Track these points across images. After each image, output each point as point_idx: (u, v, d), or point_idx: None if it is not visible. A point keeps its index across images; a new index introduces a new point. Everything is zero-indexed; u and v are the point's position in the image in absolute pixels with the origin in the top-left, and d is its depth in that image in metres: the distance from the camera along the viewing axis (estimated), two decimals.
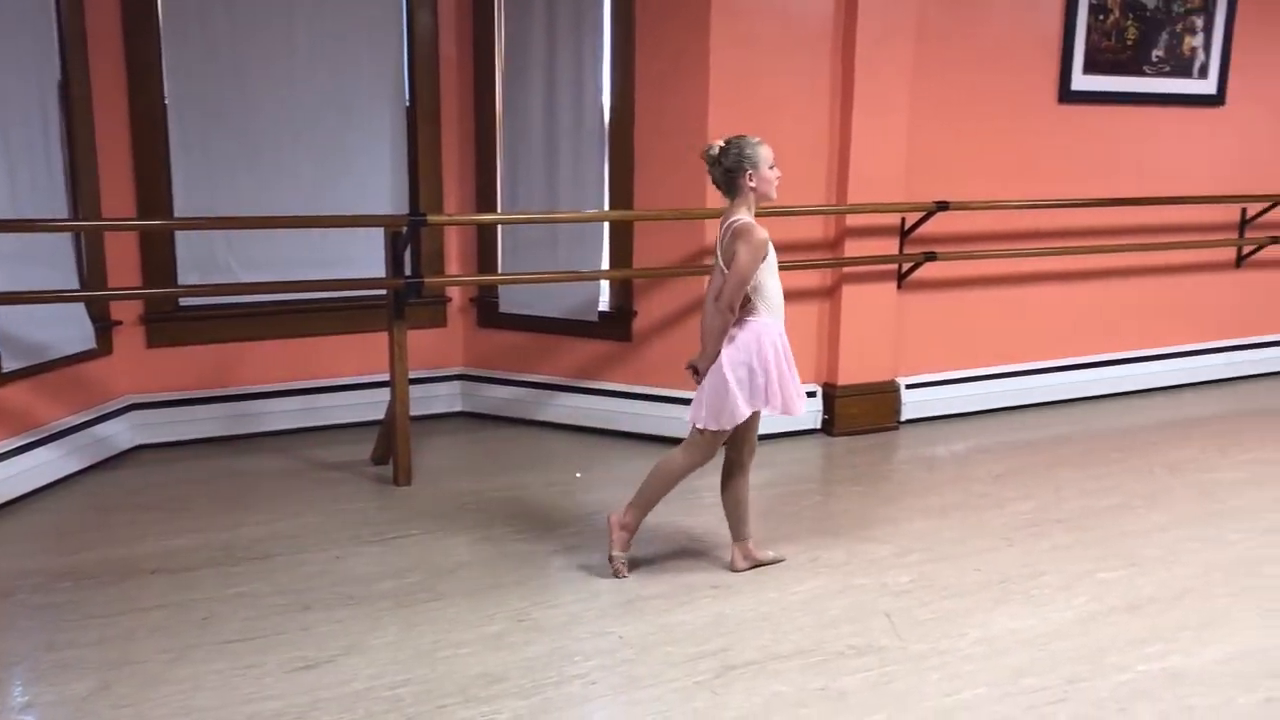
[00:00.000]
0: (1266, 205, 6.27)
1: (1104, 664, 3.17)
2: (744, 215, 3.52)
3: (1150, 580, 3.75)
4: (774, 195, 3.56)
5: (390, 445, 4.62)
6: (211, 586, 3.58)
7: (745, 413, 3.56)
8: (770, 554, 3.85)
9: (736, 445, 3.74)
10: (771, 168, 3.54)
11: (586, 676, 3.06)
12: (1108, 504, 4.48)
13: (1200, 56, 6.05)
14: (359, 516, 4.23)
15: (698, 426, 3.61)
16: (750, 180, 3.50)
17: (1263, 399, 6.23)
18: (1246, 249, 6.41)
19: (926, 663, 3.16)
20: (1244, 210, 6.32)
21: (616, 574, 3.70)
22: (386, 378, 4.62)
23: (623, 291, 5.25)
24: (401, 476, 4.56)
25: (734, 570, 3.77)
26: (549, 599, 3.53)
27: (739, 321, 3.55)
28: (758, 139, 3.53)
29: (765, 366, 3.55)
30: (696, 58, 4.85)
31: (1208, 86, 6.10)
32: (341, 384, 5.29)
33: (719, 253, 3.55)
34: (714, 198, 4.89)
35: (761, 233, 3.45)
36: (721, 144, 3.53)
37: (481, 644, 3.23)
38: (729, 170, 3.51)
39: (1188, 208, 6.09)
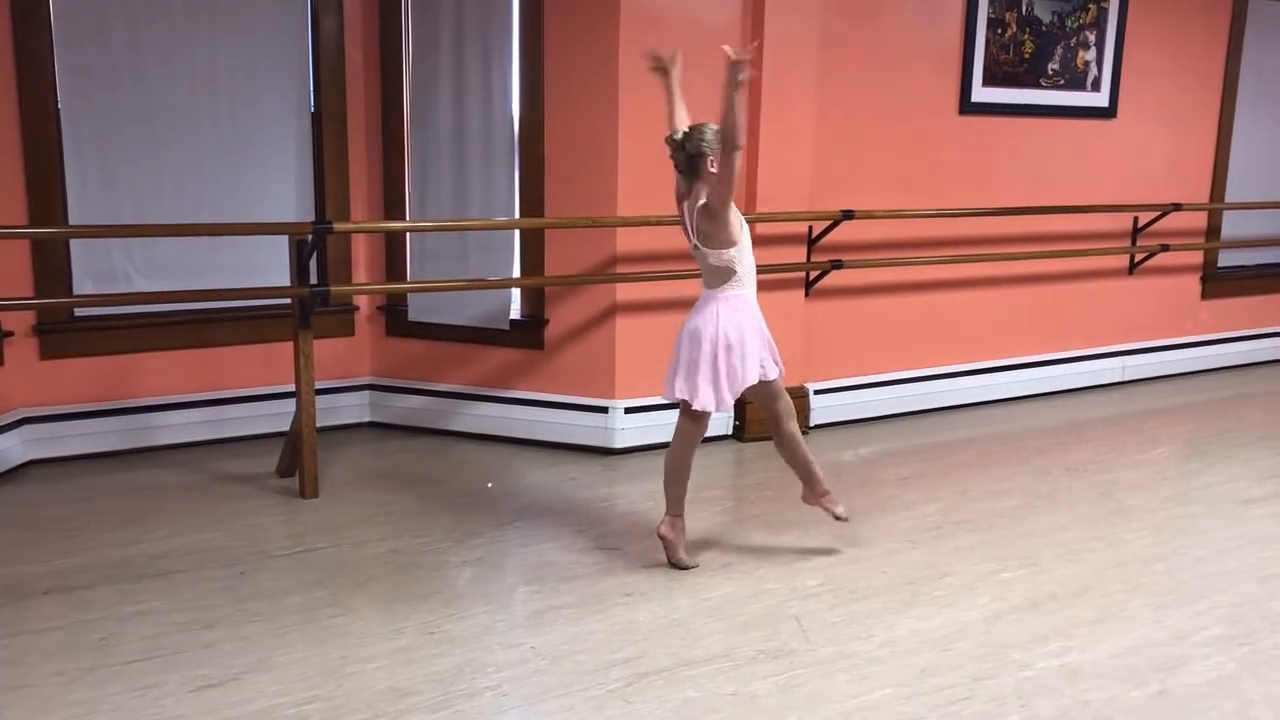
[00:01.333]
0: (1157, 214, 6.50)
1: (1007, 661, 3.25)
2: (705, 195, 3.62)
3: (1050, 579, 3.85)
4: (733, 182, 3.60)
5: (296, 457, 4.53)
6: (109, 606, 3.47)
7: (753, 378, 3.71)
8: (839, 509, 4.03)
9: (770, 404, 3.89)
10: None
11: (498, 688, 3.04)
12: (1009, 505, 4.59)
13: (1093, 70, 6.25)
14: (264, 530, 4.14)
15: (751, 389, 3.74)
16: (712, 165, 3.58)
17: (1155, 401, 6.45)
18: (1139, 256, 6.64)
19: (835, 665, 3.20)
20: (1136, 219, 6.54)
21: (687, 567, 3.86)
22: (292, 388, 4.54)
23: (535, 299, 5.24)
24: (308, 489, 4.48)
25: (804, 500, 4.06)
26: (459, 611, 3.50)
27: (724, 299, 3.68)
28: (719, 125, 3.55)
29: (762, 334, 3.76)
30: (606, 65, 4.86)
31: (1100, 99, 6.31)
32: (246, 395, 5.17)
33: (694, 234, 3.67)
34: (625, 205, 4.93)
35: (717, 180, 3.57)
36: (685, 130, 3.63)
37: (390, 658, 3.19)
38: (691, 156, 3.60)
39: (1083, 216, 6.28)
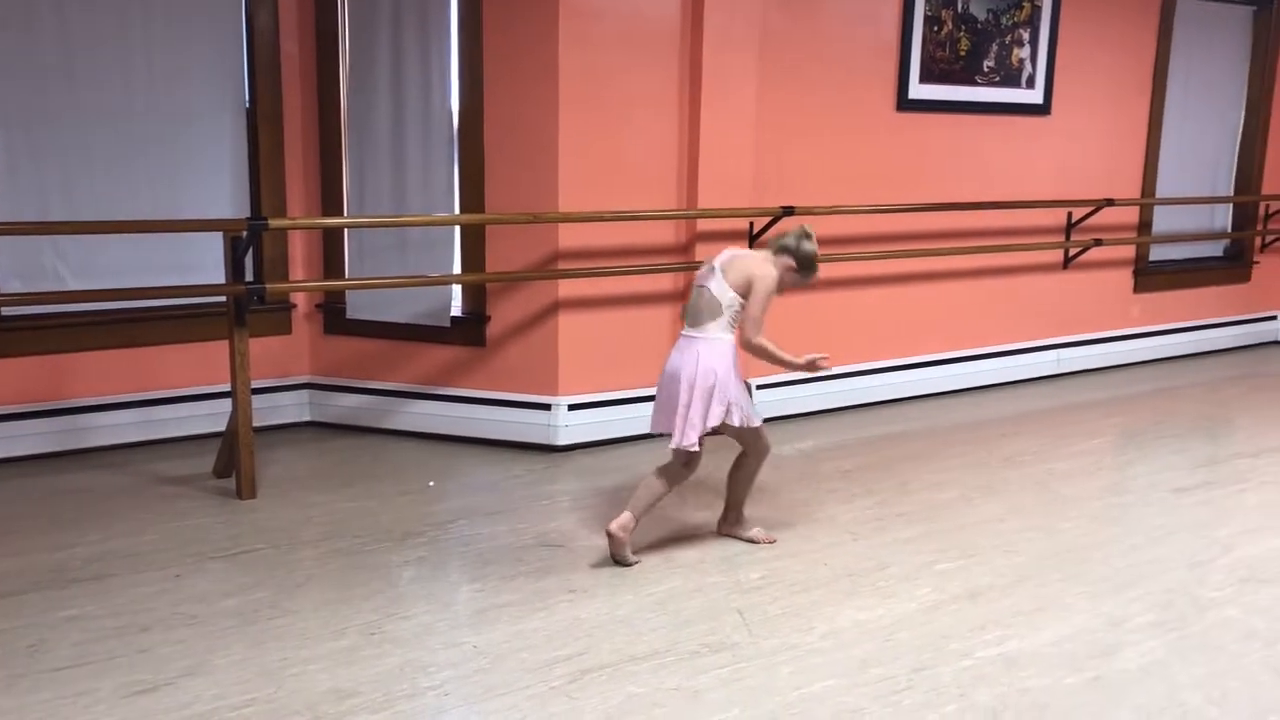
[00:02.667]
0: (1090, 209, 6.62)
1: (946, 651, 3.29)
2: (773, 269, 3.82)
3: (988, 569, 3.91)
4: (778, 293, 3.88)
5: (233, 458, 4.46)
6: (39, 611, 3.39)
7: (715, 420, 3.80)
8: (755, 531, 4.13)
9: (744, 442, 4.01)
10: (811, 278, 3.96)
11: (440, 687, 3.02)
12: (948, 496, 4.65)
13: (1028, 68, 6.35)
14: (200, 532, 4.07)
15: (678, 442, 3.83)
16: (789, 271, 3.86)
17: (1089, 393, 6.58)
18: (1073, 251, 6.76)
19: (777, 657, 3.22)
20: (1070, 214, 6.66)
21: (767, 541, 4.07)
22: (228, 388, 4.47)
23: (476, 296, 5.20)
24: (245, 490, 4.41)
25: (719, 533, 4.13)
26: (401, 610, 3.47)
27: (706, 341, 3.79)
28: (809, 237, 3.90)
29: (739, 379, 3.85)
30: (545, 60, 4.84)
31: (1035, 96, 6.42)
32: (181, 395, 5.08)
33: (721, 269, 3.81)
34: (567, 200, 4.92)
35: (771, 281, 3.80)
36: (807, 234, 3.90)
37: (331, 659, 3.15)
38: (783, 248, 3.87)
39: (1019, 212, 6.38)
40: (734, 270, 3.80)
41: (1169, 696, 3.06)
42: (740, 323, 3.81)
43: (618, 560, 3.85)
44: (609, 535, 3.83)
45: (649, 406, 5.26)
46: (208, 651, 3.17)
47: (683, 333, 3.90)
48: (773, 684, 3.07)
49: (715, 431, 3.84)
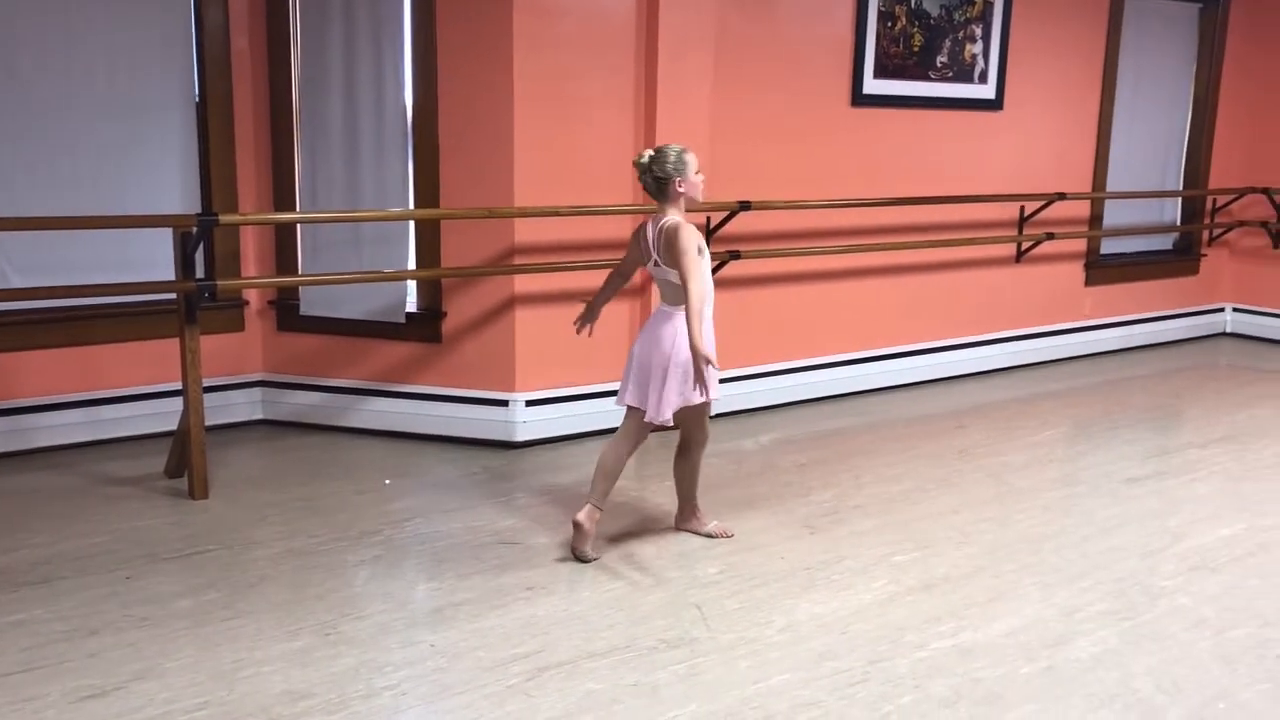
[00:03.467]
0: (1042, 203, 6.69)
1: (902, 643, 3.31)
2: (672, 216, 3.74)
3: (943, 561, 3.94)
4: (700, 198, 3.84)
5: (185, 457, 4.40)
6: None
7: (698, 396, 3.72)
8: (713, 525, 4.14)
9: (691, 424, 3.99)
10: (698, 173, 3.78)
11: (396, 687, 3.00)
12: (903, 489, 4.69)
13: (980, 63, 6.40)
14: (152, 534, 4.01)
15: (685, 408, 3.83)
16: (680, 186, 3.74)
17: (1042, 385, 6.65)
18: (1025, 244, 6.83)
19: (735, 652, 3.23)
20: (1022, 208, 6.73)
21: (724, 535, 4.10)
22: (179, 386, 4.40)
23: (431, 292, 5.17)
24: (198, 489, 4.35)
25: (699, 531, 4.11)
26: (356, 610, 3.44)
27: (681, 317, 3.69)
28: (682, 147, 3.77)
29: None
30: (500, 56, 4.81)
31: (987, 91, 6.47)
32: (131, 394, 5.00)
33: (655, 251, 3.76)
34: (522, 195, 4.89)
35: (688, 231, 3.67)
36: (651, 153, 3.75)
37: (285, 660, 3.11)
38: (659, 178, 3.73)
39: (972, 206, 6.43)
40: (670, 250, 3.69)
41: (1121, 684, 3.10)
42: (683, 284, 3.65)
43: (578, 555, 3.84)
44: (575, 525, 3.83)
45: (608, 401, 5.29)
46: (159, 654, 3.12)
47: (659, 307, 3.88)
48: (731, 678, 3.08)
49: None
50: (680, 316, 3.73)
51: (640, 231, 3.88)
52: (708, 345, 3.58)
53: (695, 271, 3.61)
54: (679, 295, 3.71)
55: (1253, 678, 3.16)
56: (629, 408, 3.92)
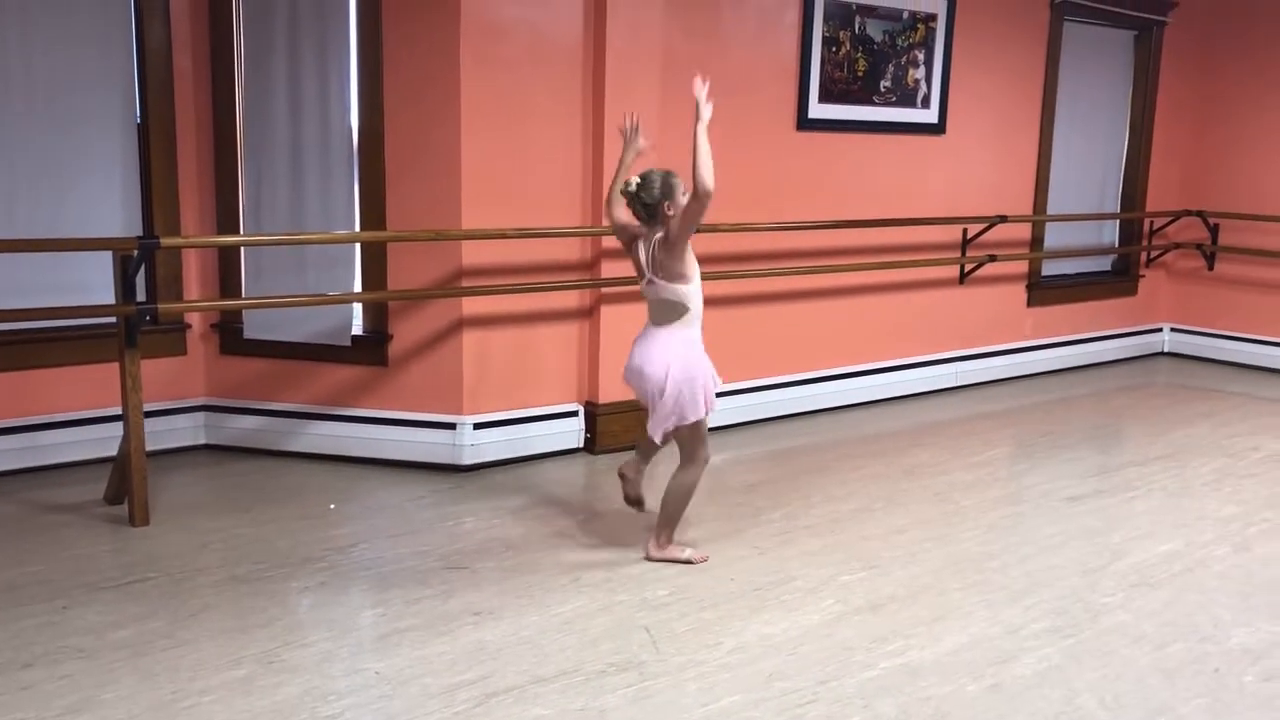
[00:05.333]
0: (984, 226, 6.79)
1: (850, 663, 3.33)
2: (658, 232, 3.81)
3: (890, 580, 3.97)
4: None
5: (125, 483, 4.31)
6: None
7: (703, 411, 3.86)
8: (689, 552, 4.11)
9: (689, 445, 4.01)
10: (685, 194, 3.78)
11: (341, 716, 2.95)
12: (851, 508, 4.72)
13: (923, 88, 6.50)
14: (90, 562, 3.92)
15: (679, 428, 3.88)
16: (669, 209, 3.78)
17: (986, 405, 6.74)
18: (968, 266, 6.92)
19: (684, 674, 3.23)
20: (965, 230, 6.83)
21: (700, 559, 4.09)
22: (119, 411, 4.32)
23: (377, 314, 5.13)
24: (138, 516, 4.26)
25: (647, 558, 4.06)
26: (299, 638, 3.39)
27: (675, 337, 3.84)
28: (668, 171, 3.84)
29: (705, 374, 3.89)
30: (447, 76, 4.81)
31: (930, 116, 6.57)
32: (68, 419, 4.89)
33: (650, 269, 3.83)
34: (470, 217, 4.88)
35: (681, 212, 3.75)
36: (638, 180, 3.81)
37: (227, 690, 3.06)
38: (649, 205, 3.79)
39: (916, 228, 6.52)
40: (661, 269, 3.79)
41: (1065, 701, 3.14)
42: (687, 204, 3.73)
43: (632, 500, 4.21)
44: (620, 476, 4.17)
45: (556, 424, 5.30)
46: (96, 686, 3.05)
47: (647, 327, 3.94)
48: (680, 701, 3.07)
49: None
50: (671, 337, 3.84)
51: (634, 246, 3.90)
52: (697, 364, 3.83)
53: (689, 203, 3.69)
54: (668, 314, 3.85)
55: (1192, 692, 3.21)
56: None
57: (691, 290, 3.84)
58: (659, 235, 3.81)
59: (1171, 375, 7.79)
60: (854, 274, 6.32)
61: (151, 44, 4.92)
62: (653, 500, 4.19)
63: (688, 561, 4.05)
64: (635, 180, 3.82)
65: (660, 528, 4.05)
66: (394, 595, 3.72)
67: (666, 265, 3.79)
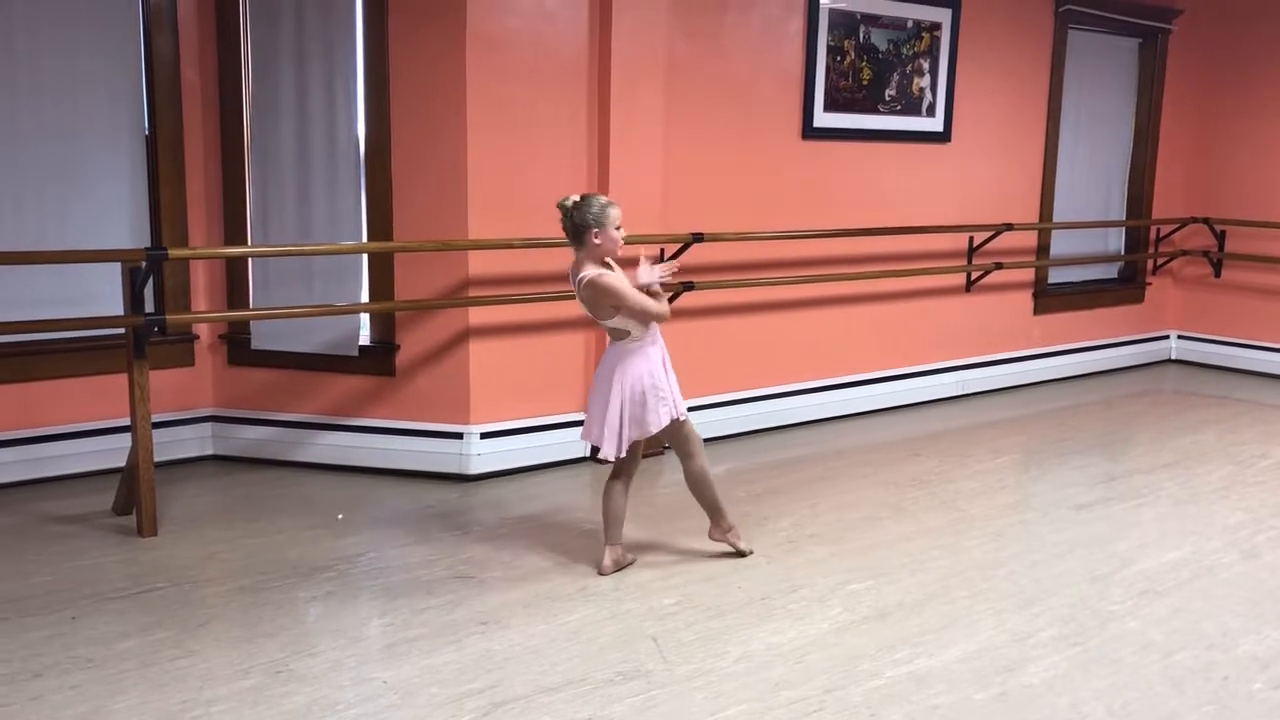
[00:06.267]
0: (990, 234, 6.80)
1: (856, 671, 3.32)
2: (589, 269, 3.78)
3: (897, 588, 3.96)
4: (617, 253, 3.85)
5: (133, 494, 4.33)
6: None
7: (664, 419, 3.90)
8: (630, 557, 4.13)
9: (675, 446, 4.08)
10: (618, 228, 3.80)
11: None
12: (857, 517, 4.72)
13: (928, 96, 6.51)
14: (98, 573, 3.93)
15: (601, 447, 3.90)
16: (595, 238, 3.77)
17: (993, 413, 6.73)
18: (975, 274, 6.93)
19: (691, 683, 3.23)
20: (971, 238, 6.83)
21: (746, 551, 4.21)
22: (128, 422, 4.34)
23: (384, 324, 5.14)
24: (146, 527, 4.28)
25: (600, 573, 4.00)
26: (308, 647, 3.39)
27: (626, 352, 3.88)
28: (608, 199, 3.83)
29: (657, 385, 3.89)
30: (453, 87, 4.83)
31: (936, 124, 6.58)
32: (77, 430, 4.91)
33: (581, 302, 3.87)
34: (476, 227, 4.90)
35: (609, 276, 3.78)
36: (576, 199, 3.79)
37: (236, 699, 3.07)
38: (578, 225, 3.77)
39: (922, 236, 6.52)
40: (591, 306, 3.85)
41: (1073, 709, 3.13)
42: (638, 322, 3.87)
43: (740, 551, 4.19)
44: (605, 573, 4.01)
45: (563, 433, 5.31)
46: (105, 696, 3.06)
47: (609, 344, 4.00)
48: (686, 710, 3.07)
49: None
50: (622, 352, 3.88)
51: (571, 272, 3.92)
52: (656, 365, 3.86)
53: (638, 301, 3.79)
54: (616, 336, 3.91)
55: (1199, 699, 3.20)
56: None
57: (622, 320, 3.86)
58: (582, 276, 3.78)
59: (1179, 382, 7.78)
60: (860, 283, 6.33)
61: (159, 55, 4.95)
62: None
63: (740, 554, 4.18)
64: (574, 198, 3.81)
65: (711, 516, 4.18)
66: (401, 605, 3.72)
67: (592, 307, 3.85)
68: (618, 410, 3.86)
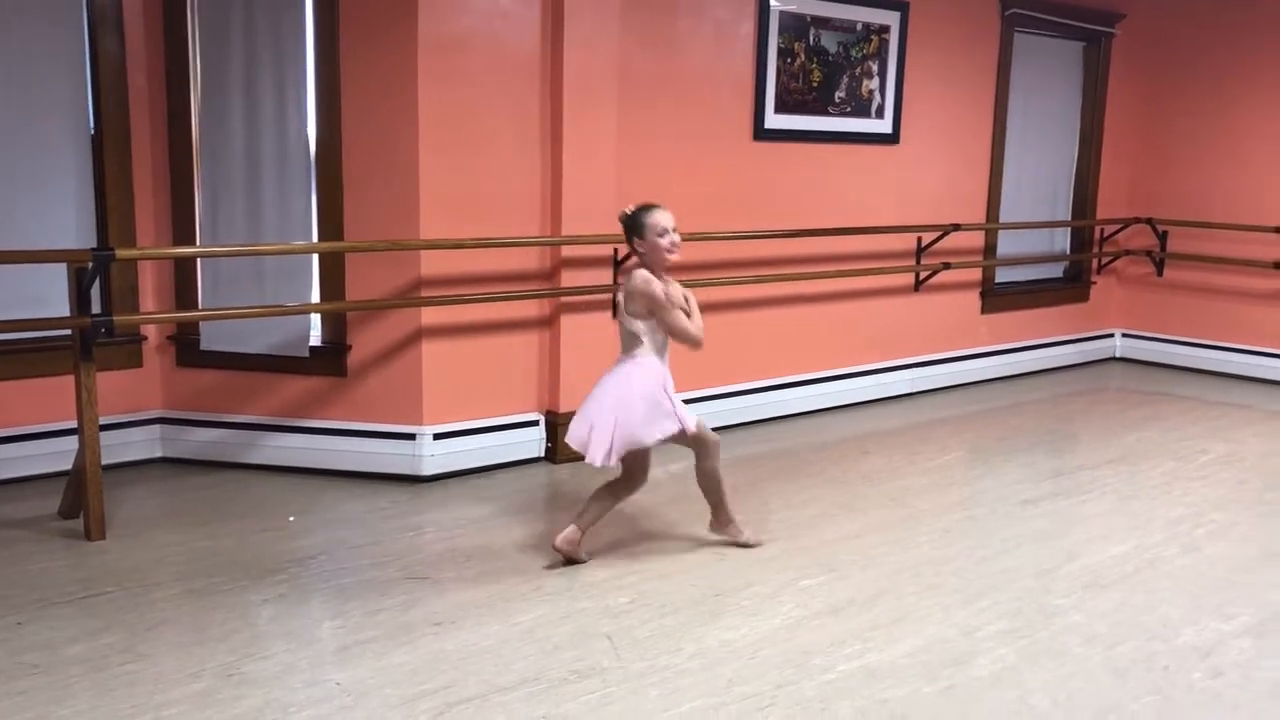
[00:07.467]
0: (938, 234, 6.89)
1: (808, 666, 3.36)
2: (640, 271, 3.95)
3: (848, 584, 4.01)
4: (666, 260, 3.96)
5: (80, 497, 4.28)
6: None
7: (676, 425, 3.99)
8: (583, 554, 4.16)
9: (633, 465, 4.11)
10: (663, 234, 3.92)
11: None
12: (809, 514, 4.77)
13: (877, 98, 6.59)
14: (45, 577, 3.88)
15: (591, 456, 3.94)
16: (640, 246, 3.96)
17: (941, 411, 6.83)
18: (923, 274, 7.02)
19: (646, 680, 3.25)
20: (920, 239, 6.92)
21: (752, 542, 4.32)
22: (74, 425, 4.28)
23: (336, 325, 5.12)
24: (94, 531, 4.23)
25: (553, 545, 4.07)
26: (260, 650, 3.37)
27: (635, 364, 3.99)
28: (653, 206, 3.98)
29: (658, 399, 3.98)
30: (405, 87, 4.81)
31: (884, 126, 6.66)
32: (22, 433, 4.84)
33: (624, 309, 3.99)
34: (429, 227, 4.89)
35: (658, 285, 3.91)
36: (630, 210, 3.98)
37: (187, 703, 3.04)
38: (628, 230, 3.98)
39: (872, 237, 6.60)
40: (629, 300, 3.96)
41: (1019, 701, 3.19)
42: (667, 333, 4.01)
43: (745, 544, 4.29)
44: (556, 549, 4.05)
45: (517, 434, 5.31)
46: (52, 702, 3.02)
47: (619, 358, 4.08)
48: (641, 707, 3.10)
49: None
50: (631, 363, 3.98)
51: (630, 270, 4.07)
52: (660, 380, 3.97)
53: (677, 318, 3.95)
54: (631, 343, 4.01)
55: (1141, 689, 3.28)
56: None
57: (643, 326, 3.98)
58: (638, 274, 3.94)
59: (1123, 380, 7.94)
60: (810, 282, 6.39)
61: (104, 57, 4.88)
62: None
63: (745, 545, 4.29)
64: (630, 208, 4.00)
65: (715, 510, 4.31)
66: (355, 606, 3.71)
67: (631, 305, 3.96)
68: (612, 419, 3.91)
